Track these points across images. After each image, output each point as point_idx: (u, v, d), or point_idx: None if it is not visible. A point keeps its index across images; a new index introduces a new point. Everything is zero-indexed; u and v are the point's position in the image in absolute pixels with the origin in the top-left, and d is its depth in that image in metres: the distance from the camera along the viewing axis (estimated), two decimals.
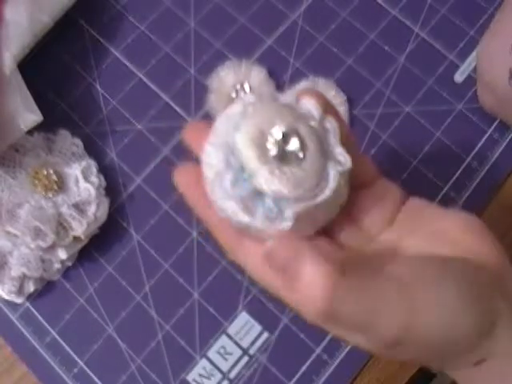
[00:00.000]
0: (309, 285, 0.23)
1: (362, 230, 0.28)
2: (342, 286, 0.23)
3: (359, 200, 0.29)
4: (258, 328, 0.41)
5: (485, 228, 0.28)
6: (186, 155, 0.45)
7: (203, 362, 0.41)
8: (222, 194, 0.26)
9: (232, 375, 0.41)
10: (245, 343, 0.41)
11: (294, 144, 0.26)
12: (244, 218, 0.25)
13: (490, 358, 0.26)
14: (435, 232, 0.28)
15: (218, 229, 0.28)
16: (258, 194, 0.25)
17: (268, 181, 0.25)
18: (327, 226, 0.28)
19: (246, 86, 0.45)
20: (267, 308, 0.42)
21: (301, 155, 0.26)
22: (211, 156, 0.27)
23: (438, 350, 0.25)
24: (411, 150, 0.45)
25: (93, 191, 0.42)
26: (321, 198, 0.26)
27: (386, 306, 0.24)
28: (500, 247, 0.28)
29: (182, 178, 0.29)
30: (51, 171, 0.42)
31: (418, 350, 0.25)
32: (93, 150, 0.45)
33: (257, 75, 0.46)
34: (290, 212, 0.25)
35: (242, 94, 0.45)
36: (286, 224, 0.25)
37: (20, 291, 0.41)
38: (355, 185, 0.28)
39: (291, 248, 0.24)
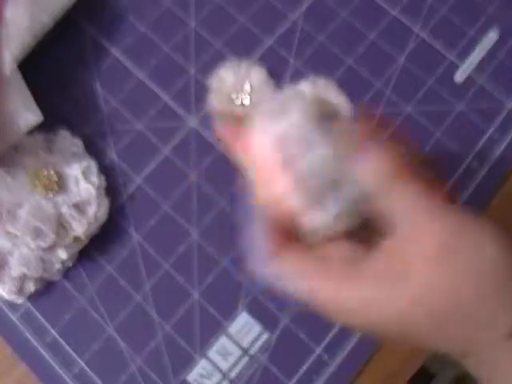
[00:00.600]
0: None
1: None
2: None
3: None
4: (257, 328, 0.41)
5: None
6: (186, 156, 0.45)
7: (203, 362, 0.41)
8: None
9: (232, 375, 0.41)
10: (245, 343, 0.41)
11: None
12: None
13: None
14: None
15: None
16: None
17: None
18: None
19: (246, 86, 0.45)
20: (267, 308, 0.42)
21: None
22: None
23: (477, 292, 0.25)
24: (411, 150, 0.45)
25: (93, 191, 0.42)
26: None
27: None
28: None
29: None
30: (51, 171, 0.42)
31: (454, 278, 0.25)
32: (93, 150, 0.45)
33: (257, 75, 0.46)
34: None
35: (241, 93, 0.45)
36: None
37: (20, 291, 0.41)
38: None
39: None
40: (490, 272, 0.26)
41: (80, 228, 0.41)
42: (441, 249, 0.25)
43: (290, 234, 0.28)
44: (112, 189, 0.44)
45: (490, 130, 0.45)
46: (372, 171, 0.27)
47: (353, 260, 0.27)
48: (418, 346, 0.31)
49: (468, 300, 0.26)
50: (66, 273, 0.42)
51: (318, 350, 0.41)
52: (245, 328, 0.41)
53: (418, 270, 0.26)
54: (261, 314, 0.41)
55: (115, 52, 0.48)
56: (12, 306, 0.42)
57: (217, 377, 0.41)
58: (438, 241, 0.25)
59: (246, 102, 0.45)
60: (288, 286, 0.28)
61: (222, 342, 0.41)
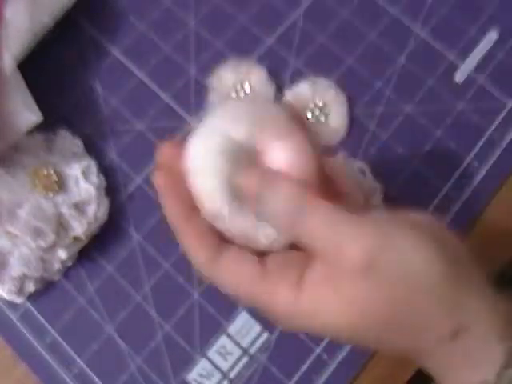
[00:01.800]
0: None
1: None
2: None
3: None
4: (257, 328, 0.41)
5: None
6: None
7: (203, 362, 0.41)
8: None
9: (232, 375, 0.41)
10: (245, 343, 0.41)
11: None
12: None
13: (464, 331, 0.26)
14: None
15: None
16: None
17: None
18: None
19: (246, 86, 0.45)
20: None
21: None
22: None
23: (410, 298, 0.26)
24: (411, 150, 0.45)
25: (93, 191, 0.42)
26: None
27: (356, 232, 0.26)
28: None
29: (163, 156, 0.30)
30: (51, 171, 0.42)
31: (389, 289, 0.25)
32: (93, 150, 0.45)
33: (257, 75, 0.46)
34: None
35: (241, 93, 0.45)
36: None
37: (20, 291, 0.41)
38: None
39: None
40: (420, 278, 0.25)
41: (80, 228, 0.41)
42: (365, 262, 0.25)
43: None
44: (112, 189, 0.44)
45: (490, 130, 0.45)
46: (282, 201, 0.27)
47: (297, 269, 0.27)
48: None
49: (399, 309, 0.26)
50: (66, 273, 0.42)
51: (318, 350, 0.41)
52: (245, 328, 0.41)
53: (343, 286, 0.26)
54: (260, 313, 0.41)
55: (115, 52, 0.48)
56: (12, 305, 0.42)
57: (217, 377, 0.41)
58: (361, 255, 0.25)
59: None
60: (226, 291, 0.29)
61: (222, 341, 0.41)
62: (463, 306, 0.26)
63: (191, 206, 0.28)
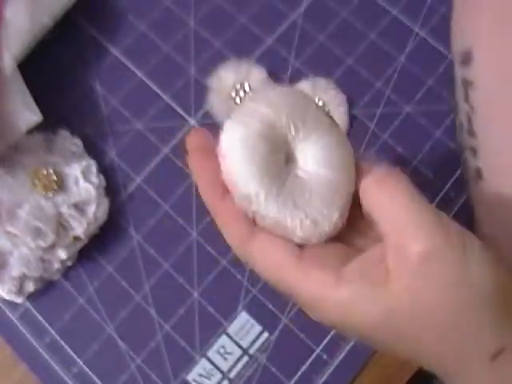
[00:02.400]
0: None
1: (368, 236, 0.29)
2: None
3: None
4: (257, 328, 0.41)
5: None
6: (186, 156, 0.45)
7: (203, 362, 0.41)
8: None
9: (232, 375, 0.41)
10: (245, 343, 0.41)
11: None
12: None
13: (508, 349, 0.25)
14: None
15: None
16: None
17: None
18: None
19: (246, 86, 0.45)
20: (267, 308, 0.42)
21: None
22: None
23: (457, 314, 0.25)
24: (411, 150, 0.45)
25: (93, 191, 0.42)
26: None
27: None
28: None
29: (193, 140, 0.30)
30: (51, 171, 0.42)
31: (437, 293, 0.25)
32: (93, 149, 0.45)
33: (257, 75, 0.46)
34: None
35: (241, 93, 0.45)
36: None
37: (20, 291, 0.41)
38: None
39: None
40: (474, 289, 0.24)
41: (80, 228, 0.41)
42: (423, 260, 0.24)
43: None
44: (112, 189, 0.44)
45: None
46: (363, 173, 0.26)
47: (336, 261, 0.27)
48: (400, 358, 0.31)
49: (448, 316, 0.25)
50: (66, 273, 0.42)
51: (318, 350, 0.41)
52: (244, 328, 0.41)
53: (396, 279, 0.25)
54: (260, 313, 0.41)
55: (115, 52, 0.48)
56: (11, 305, 0.42)
57: (216, 377, 0.41)
58: (422, 251, 0.24)
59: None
60: (260, 273, 0.28)
61: (222, 341, 0.41)
62: (508, 327, 0.25)
63: (225, 189, 0.28)
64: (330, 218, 0.27)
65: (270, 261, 0.27)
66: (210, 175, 0.28)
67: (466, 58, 0.37)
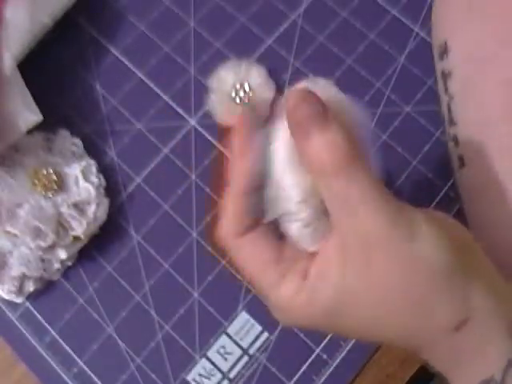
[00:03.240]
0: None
1: None
2: None
3: None
4: (257, 328, 0.41)
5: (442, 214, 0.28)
6: (186, 156, 0.45)
7: (203, 362, 0.41)
8: None
9: (232, 375, 0.41)
10: (245, 343, 0.41)
11: None
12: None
13: (471, 319, 0.25)
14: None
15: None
16: None
17: None
18: None
19: (246, 86, 0.45)
20: (267, 308, 0.42)
21: None
22: None
23: (410, 310, 0.25)
24: (411, 150, 0.45)
25: (93, 191, 0.42)
26: None
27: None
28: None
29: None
30: (51, 171, 0.42)
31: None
32: (93, 149, 0.45)
33: (257, 75, 0.46)
34: None
35: (241, 93, 0.45)
36: None
37: (20, 291, 0.41)
38: None
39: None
40: (424, 262, 0.25)
41: (79, 228, 0.41)
42: (366, 243, 0.25)
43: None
44: (112, 188, 0.44)
45: None
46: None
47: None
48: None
49: (399, 292, 0.25)
50: (66, 273, 0.42)
51: (318, 350, 0.41)
52: (244, 328, 0.41)
53: (333, 270, 0.26)
54: (260, 313, 0.41)
55: (115, 52, 0.48)
56: (11, 305, 0.42)
57: (216, 377, 0.41)
58: (363, 235, 0.25)
59: (246, 101, 0.45)
60: (241, 270, 0.29)
61: (222, 341, 0.41)
62: (470, 297, 0.25)
63: (255, 187, 0.28)
64: None
65: (250, 262, 0.28)
66: (242, 168, 0.28)
67: (443, 51, 0.38)
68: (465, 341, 0.26)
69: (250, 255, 0.28)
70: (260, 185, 0.28)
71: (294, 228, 0.28)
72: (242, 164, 0.28)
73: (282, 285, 0.27)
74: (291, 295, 0.27)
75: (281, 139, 0.27)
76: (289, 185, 0.27)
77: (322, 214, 0.27)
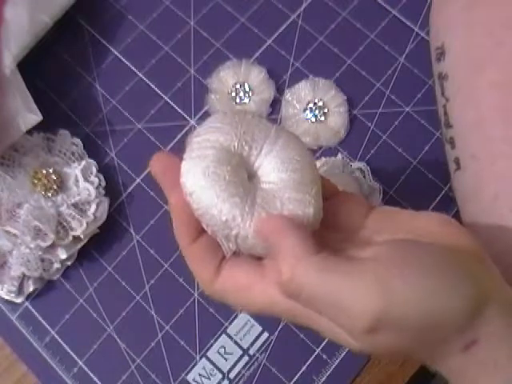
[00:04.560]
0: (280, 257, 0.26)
1: (340, 232, 0.29)
2: (307, 262, 0.25)
3: (329, 207, 0.30)
4: (258, 328, 0.41)
5: (458, 223, 0.28)
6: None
7: (203, 362, 0.41)
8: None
9: (232, 375, 0.41)
10: (245, 343, 0.41)
11: None
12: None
13: (480, 341, 0.25)
14: (412, 228, 0.28)
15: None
16: None
17: None
18: None
19: (246, 86, 0.45)
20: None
21: None
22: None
23: (421, 335, 0.25)
24: (411, 150, 0.45)
25: (92, 191, 0.42)
26: None
27: (358, 287, 0.24)
28: (476, 238, 0.27)
29: (157, 164, 0.31)
30: (51, 171, 0.42)
31: (398, 337, 0.25)
32: (93, 149, 0.45)
33: (257, 75, 0.46)
34: None
35: (241, 93, 0.45)
36: None
37: (19, 291, 0.41)
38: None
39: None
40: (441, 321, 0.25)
41: (79, 227, 0.41)
42: (373, 323, 0.24)
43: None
44: (111, 188, 0.44)
45: None
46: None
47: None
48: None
49: (413, 316, 0.25)
50: (66, 272, 0.42)
51: (318, 350, 0.41)
52: (245, 328, 0.41)
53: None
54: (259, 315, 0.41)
55: (115, 51, 0.48)
56: (11, 305, 0.42)
57: (216, 377, 0.41)
58: (369, 318, 0.24)
59: (246, 101, 0.45)
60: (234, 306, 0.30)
61: (222, 341, 0.41)
62: (481, 318, 0.25)
63: (195, 226, 0.29)
64: (308, 214, 0.28)
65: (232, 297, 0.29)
66: (181, 215, 0.29)
67: (440, 53, 0.38)
68: (471, 360, 0.26)
69: (231, 291, 0.29)
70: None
71: (234, 244, 0.28)
72: (178, 217, 0.29)
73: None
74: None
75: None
76: (210, 208, 0.27)
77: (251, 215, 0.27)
